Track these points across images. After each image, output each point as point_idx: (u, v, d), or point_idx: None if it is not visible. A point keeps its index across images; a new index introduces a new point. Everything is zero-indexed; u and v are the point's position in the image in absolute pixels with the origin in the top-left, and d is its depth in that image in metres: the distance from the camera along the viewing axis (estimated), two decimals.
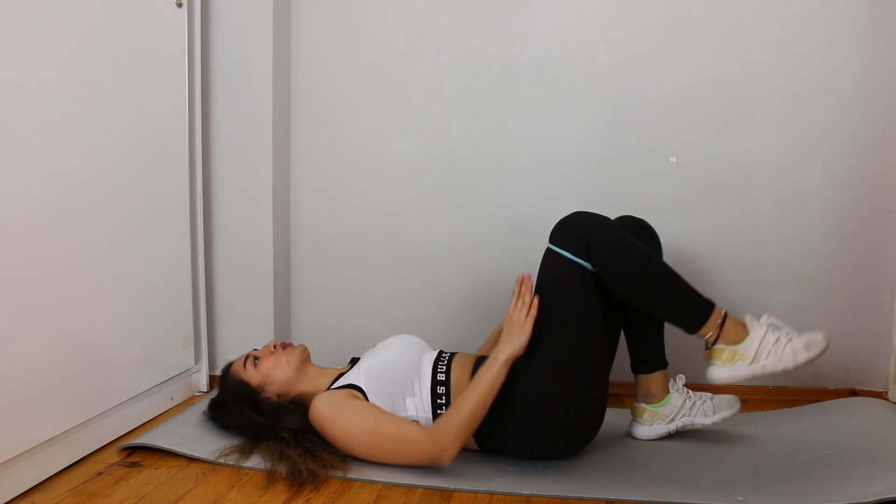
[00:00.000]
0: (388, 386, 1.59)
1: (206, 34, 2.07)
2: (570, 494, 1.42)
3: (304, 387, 1.65)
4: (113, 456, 1.63)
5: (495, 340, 1.83)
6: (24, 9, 1.42)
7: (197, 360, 2.09)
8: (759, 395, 2.02)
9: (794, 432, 1.72)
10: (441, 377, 1.61)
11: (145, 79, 1.80)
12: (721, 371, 1.51)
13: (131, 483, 1.49)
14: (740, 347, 1.49)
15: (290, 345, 1.71)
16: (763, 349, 1.47)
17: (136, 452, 1.64)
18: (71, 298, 1.57)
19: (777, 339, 1.47)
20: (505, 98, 2.09)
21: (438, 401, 1.58)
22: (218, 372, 2.13)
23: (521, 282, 1.55)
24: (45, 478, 1.49)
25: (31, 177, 1.45)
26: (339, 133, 2.19)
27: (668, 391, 1.68)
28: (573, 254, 1.51)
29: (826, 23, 1.93)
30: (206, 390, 2.09)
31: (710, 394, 1.70)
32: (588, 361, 1.53)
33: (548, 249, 1.56)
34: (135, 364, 1.81)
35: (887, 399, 1.96)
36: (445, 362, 1.64)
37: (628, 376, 2.08)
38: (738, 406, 1.67)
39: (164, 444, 1.62)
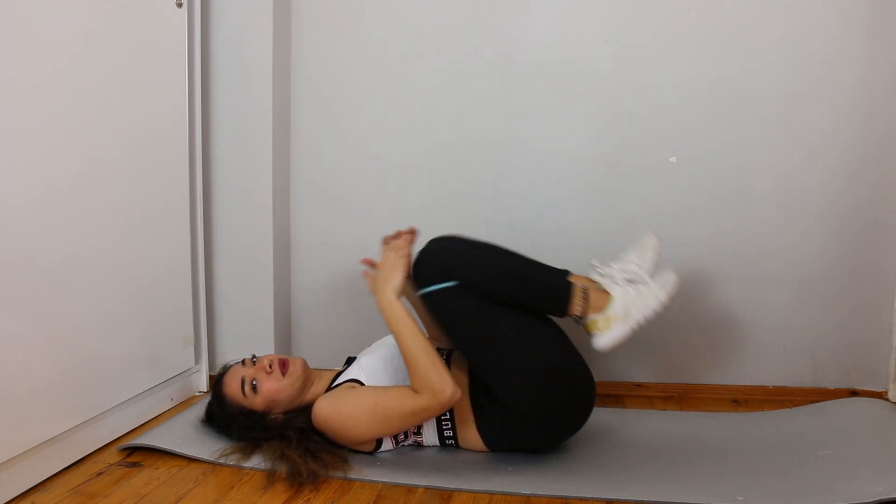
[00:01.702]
0: (389, 381, 1.60)
1: (206, 34, 2.07)
2: (570, 494, 1.42)
3: (307, 397, 1.64)
4: (113, 456, 1.63)
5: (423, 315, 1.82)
6: (25, 9, 1.42)
7: (197, 360, 2.08)
8: (759, 395, 2.03)
9: (794, 432, 1.72)
10: None
11: (145, 79, 1.80)
12: (603, 338, 1.59)
13: (131, 483, 1.49)
14: (609, 311, 1.58)
15: (286, 360, 1.63)
16: (629, 304, 1.57)
17: (136, 452, 1.64)
18: (71, 298, 1.57)
19: (637, 291, 1.58)
20: (505, 98, 2.08)
21: None
22: (218, 372, 2.14)
23: (398, 235, 1.62)
24: (45, 478, 1.49)
25: (30, 177, 1.45)
26: (339, 133, 2.19)
27: (607, 293, 1.60)
28: (440, 282, 1.53)
29: (827, 24, 1.93)
30: (206, 390, 2.09)
31: (646, 277, 1.63)
32: (534, 340, 1.55)
33: (423, 296, 1.56)
34: (135, 364, 1.81)
35: (887, 399, 1.95)
36: (444, 357, 1.65)
37: (627, 376, 2.09)
38: (674, 277, 1.60)
39: (164, 445, 1.62)
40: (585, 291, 1.58)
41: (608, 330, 1.58)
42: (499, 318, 1.54)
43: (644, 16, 2.00)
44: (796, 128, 1.97)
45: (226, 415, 1.62)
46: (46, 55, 1.48)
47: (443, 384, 1.47)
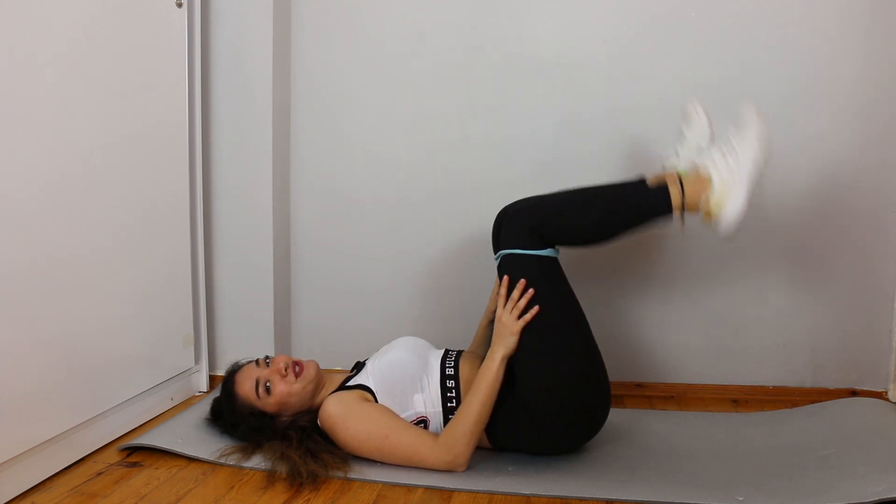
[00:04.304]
0: (397, 385, 1.59)
1: (206, 34, 2.07)
2: (570, 494, 1.42)
3: (317, 400, 1.63)
4: (113, 456, 1.63)
5: (482, 337, 1.86)
6: (24, 9, 1.42)
7: (197, 360, 2.08)
8: (759, 396, 2.03)
9: (794, 432, 1.72)
10: (450, 371, 1.62)
11: (145, 79, 1.80)
12: (727, 216, 1.44)
13: (131, 483, 1.49)
14: (716, 188, 1.44)
15: (300, 363, 1.62)
16: (732, 169, 1.43)
17: (136, 452, 1.64)
18: (71, 298, 1.57)
19: (730, 150, 1.44)
20: (504, 98, 2.09)
21: (449, 394, 1.59)
22: (218, 372, 2.15)
23: (509, 286, 1.55)
24: (45, 478, 1.49)
25: (30, 176, 1.45)
26: (339, 133, 2.19)
27: (698, 173, 1.47)
28: (530, 248, 1.53)
29: (826, 23, 1.93)
30: (206, 390, 2.09)
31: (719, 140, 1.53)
32: (579, 345, 1.55)
33: (504, 256, 1.57)
34: (135, 364, 1.81)
35: (887, 399, 1.96)
36: (453, 358, 1.66)
37: (627, 376, 2.09)
38: (755, 114, 1.48)
39: (164, 445, 1.62)
40: (680, 180, 1.43)
41: (726, 206, 1.42)
42: (568, 312, 1.54)
43: (643, 15, 2.00)
44: (795, 126, 1.97)
45: (235, 414, 1.61)
46: (44, 56, 1.48)
47: (464, 456, 1.50)
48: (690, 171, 1.46)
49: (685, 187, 1.48)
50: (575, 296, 1.58)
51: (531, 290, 1.52)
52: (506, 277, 1.55)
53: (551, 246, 1.57)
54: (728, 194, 1.43)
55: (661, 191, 1.50)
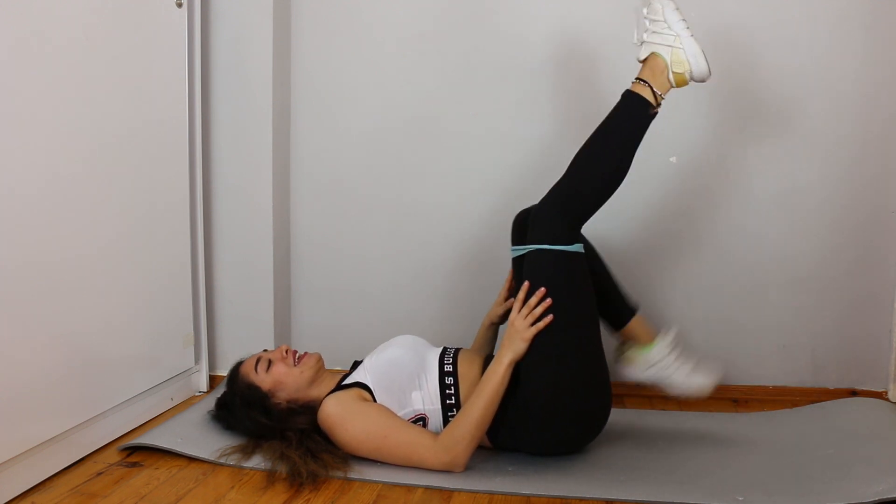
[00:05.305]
0: (395, 382, 1.60)
1: (206, 34, 2.07)
2: (571, 494, 1.42)
3: (314, 393, 1.65)
4: (113, 456, 1.63)
5: (483, 339, 1.85)
6: (24, 9, 1.42)
7: (197, 360, 2.08)
8: (760, 396, 2.03)
9: (794, 432, 1.72)
10: (448, 368, 1.62)
11: (145, 78, 1.80)
12: (695, 71, 1.56)
13: (131, 483, 1.49)
14: (670, 60, 1.55)
15: (305, 353, 1.69)
16: (667, 33, 1.56)
17: (136, 452, 1.64)
18: (71, 299, 1.57)
19: (653, 20, 1.57)
20: (504, 98, 2.09)
21: (447, 391, 1.59)
22: (218, 372, 2.15)
23: (529, 293, 1.54)
24: (45, 478, 1.49)
25: (30, 176, 1.45)
26: (339, 132, 2.19)
27: (653, 339, 1.67)
28: (558, 243, 1.53)
29: (826, 23, 1.93)
30: (206, 390, 2.09)
31: (693, 362, 1.68)
32: (585, 346, 1.54)
33: (531, 252, 1.56)
34: (135, 364, 1.81)
35: (887, 399, 1.96)
36: (451, 356, 1.66)
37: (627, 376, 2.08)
38: (709, 383, 1.64)
39: (164, 444, 1.62)
40: (641, 79, 1.56)
41: (687, 62, 1.54)
42: (579, 312, 1.54)
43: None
44: (795, 125, 1.97)
45: (234, 392, 1.66)
46: (45, 55, 1.48)
47: (463, 457, 1.50)
48: (642, 64, 1.58)
49: (649, 81, 1.56)
50: (592, 293, 1.57)
51: (549, 300, 1.51)
52: (526, 283, 1.54)
53: (577, 238, 1.57)
54: (682, 55, 1.54)
55: (637, 100, 1.57)
